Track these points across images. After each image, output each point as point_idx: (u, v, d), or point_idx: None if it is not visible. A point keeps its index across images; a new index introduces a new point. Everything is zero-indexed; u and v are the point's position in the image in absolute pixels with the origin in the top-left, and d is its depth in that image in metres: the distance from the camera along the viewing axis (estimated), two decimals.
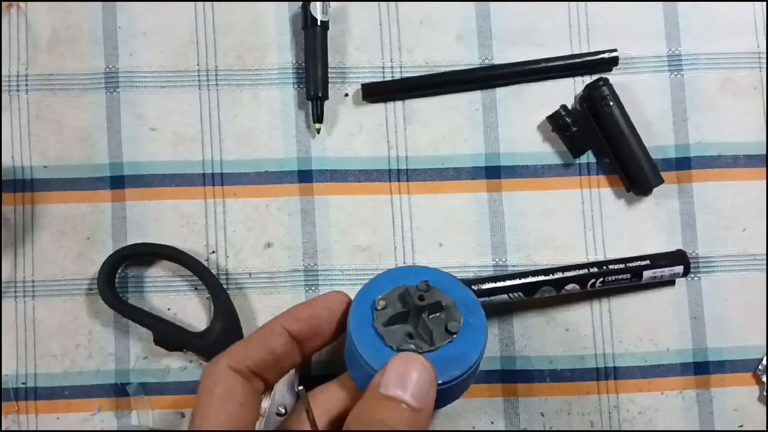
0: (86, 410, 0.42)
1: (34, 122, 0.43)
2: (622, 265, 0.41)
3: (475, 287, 0.40)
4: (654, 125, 0.44)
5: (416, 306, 0.33)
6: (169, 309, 0.42)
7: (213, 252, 0.43)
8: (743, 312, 0.43)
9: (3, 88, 0.43)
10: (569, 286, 0.41)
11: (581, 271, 0.41)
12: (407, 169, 0.44)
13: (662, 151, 0.44)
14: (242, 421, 0.27)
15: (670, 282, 0.43)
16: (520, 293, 0.41)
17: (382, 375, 0.25)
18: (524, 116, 0.44)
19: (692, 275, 0.43)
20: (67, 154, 0.43)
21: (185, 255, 0.41)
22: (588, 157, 0.44)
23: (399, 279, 0.35)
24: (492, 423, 0.42)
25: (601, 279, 0.41)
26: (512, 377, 0.43)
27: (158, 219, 0.43)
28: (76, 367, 0.42)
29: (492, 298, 0.41)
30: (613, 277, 0.41)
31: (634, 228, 0.43)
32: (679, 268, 0.42)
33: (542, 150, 0.44)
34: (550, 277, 0.41)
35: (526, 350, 0.43)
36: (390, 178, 0.44)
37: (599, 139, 0.43)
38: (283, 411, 0.36)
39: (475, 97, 0.44)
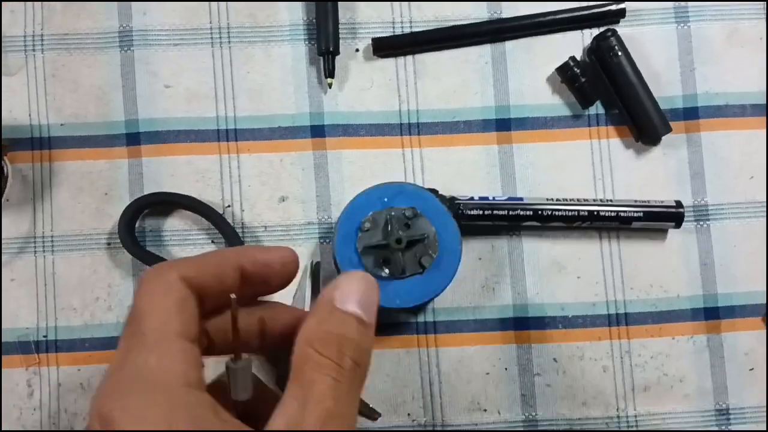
0: (106, 362, 0.43)
1: (51, 81, 0.44)
2: (613, 213, 0.42)
3: (462, 211, 0.41)
4: (662, 76, 0.44)
5: (395, 244, 0.37)
6: None
7: (228, 206, 0.44)
8: (752, 258, 0.44)
9: (20, 48, 0.44)
10: (555, 224, 0.42)
11: (569, 213, 0.42)
12: (418, 123, 0.44)
13: (670, 101, 0.44)
14: (193, 340, 0.23)
15: (678, 230, 0.43)
16: (505, 222, 0.42)
17: (335, 290, 0.24)
18: (533, 69, 0.44)
19: (701, 223, 0.44)
20: (83, 112, 0.44)
21: (203, 204, 0.42)
22: (597, 108, 0.44)
23: (391, 196, 0.38)
24: (506, 369, 0.43)
25: (589, 222, 0.42)
26: (525, 324, 0.43)
27: (174, 174, 0.44)
28: (96, 320, 0.43)
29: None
30: (601, 223, 0.42)
31: (643, 177, 0.44)
32: (671, 224, 0.43)
33: (552, 102, 0.44)
34: (537, 210, 0.42)
35: (538, 298, 0.43)
36: (401, 131, 0.44)
37: (608, 89, 0.43)
38: None
39: (485, 50, 0.44)
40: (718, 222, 0.44)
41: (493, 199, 0.42)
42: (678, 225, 0.42)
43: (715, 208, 0.44)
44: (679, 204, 0.43)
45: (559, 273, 0.43)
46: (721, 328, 0.43)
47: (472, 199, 0.42)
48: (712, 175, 0.44)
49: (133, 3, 0.44)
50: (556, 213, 0.41)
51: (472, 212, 0.41)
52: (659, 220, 0.42)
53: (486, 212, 0.41)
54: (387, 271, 0.38)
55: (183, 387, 0.21)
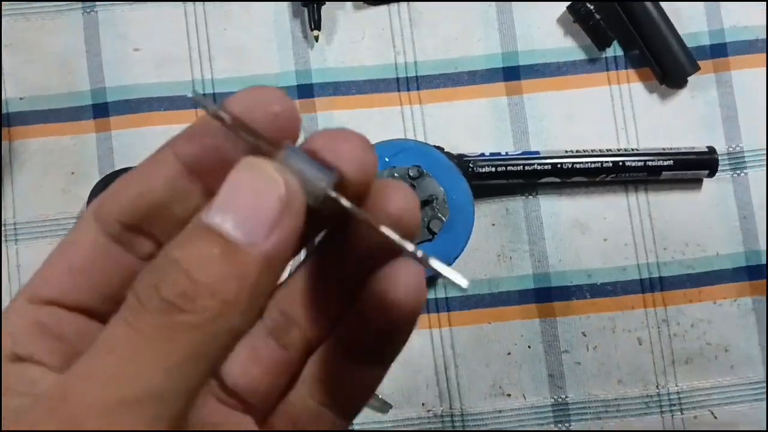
0: None
1: (6, 51, 0.40)
2: (640, 163, 0.37)
3: (472, 169, 0.37)
4: (684, 11, 0.40)
5: None
6: None
7: None
8: None
9: None
10: (576, 178, 0.38)
11: (592, 165, 0.37)
12: (417, 76, 0.40)
13: (695, 38, 0.40)
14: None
15: (712, 179, 0.39)
16: (520, 180, 0.38)
17: (216, 196, 0.15)
18: (542, 9, 0.40)
19: (738, 171, 0.39)
20: (45, 84, 0.40)
21: None
22: (615, 50, 0.40)
23: (392, 154, 0.34)
24: (529, 347, 0.38)
25: (614, 174, 0.37)
26: (547, 295, 0.39)
27: (148, 147, 0.39)
28: None
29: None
30: (629, 174, 0.38)
31: (669, 124, 0.40)
32: (704, 172, 0.38)
33: (564, 45, 0.40)
34: (556, 163, 0.37)
35: (561, 265, 0.39)
36: (399, 87, 0.40)
37: (626, 27, 0.39)
38: None
39: None
40: (756, 170, 0.39)
41: (506, 154, 0.37)
42: (712, 173, 0.38)
43: (751, 154, 0.39)
44: (711, 150, 0.38)
45: (583, 235, 0.39)
46: None
47: (482, 155, 0.37)
48: (746, 117, 0.40)
49: None
50: (577, 166, 0.37)
51: (484, 169, 0.37)
52: (691, 168, 0.38)
53: (499, 169, 0.37)
54: None
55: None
